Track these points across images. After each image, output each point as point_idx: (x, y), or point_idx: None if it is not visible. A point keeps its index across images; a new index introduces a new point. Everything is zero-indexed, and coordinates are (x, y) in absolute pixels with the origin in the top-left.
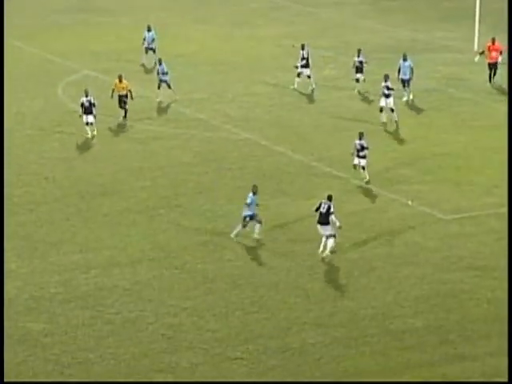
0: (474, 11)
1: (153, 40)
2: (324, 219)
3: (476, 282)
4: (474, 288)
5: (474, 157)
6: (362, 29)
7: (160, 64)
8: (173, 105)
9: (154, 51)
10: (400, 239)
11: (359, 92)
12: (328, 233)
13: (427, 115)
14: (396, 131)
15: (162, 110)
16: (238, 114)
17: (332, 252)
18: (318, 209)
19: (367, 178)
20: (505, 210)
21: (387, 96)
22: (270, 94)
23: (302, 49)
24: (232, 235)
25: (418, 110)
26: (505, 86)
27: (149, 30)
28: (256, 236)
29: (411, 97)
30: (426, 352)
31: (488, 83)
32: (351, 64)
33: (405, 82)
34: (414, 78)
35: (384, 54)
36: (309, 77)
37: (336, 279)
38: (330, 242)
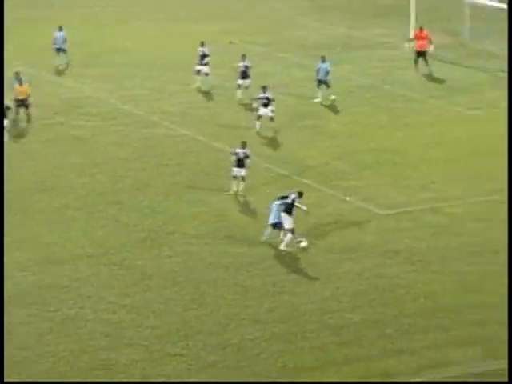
0: (410, 8)
1: (64, 40)
2: (288, 209)
3: (413, 277)
4: (411, 283)
5: (410, 152)
6: (299, 26)
7: (244, 59)
8: (111, 101)
9: (65, 52)
10: (338, 235)
11: (240, 99)
12: (287, 226)
13: (363, 112)
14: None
15: (99, 106)
16: (176, 110)
17: (288, 246)
18: (283, 197)
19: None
20: (440, 204)
21: (266, 105)
22: (207, 91)
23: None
24: (281, 247)
25: (355, 106)
26: (435, 82)
27: (60, 29)
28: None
29: (333, 97)
30: (363, 346)
31: (415, 71)
32: (237, 69)
33: (322, 83)
34: (331, 79)
35: (320, 51)
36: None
37: (274, 275)
38: (288, 236)
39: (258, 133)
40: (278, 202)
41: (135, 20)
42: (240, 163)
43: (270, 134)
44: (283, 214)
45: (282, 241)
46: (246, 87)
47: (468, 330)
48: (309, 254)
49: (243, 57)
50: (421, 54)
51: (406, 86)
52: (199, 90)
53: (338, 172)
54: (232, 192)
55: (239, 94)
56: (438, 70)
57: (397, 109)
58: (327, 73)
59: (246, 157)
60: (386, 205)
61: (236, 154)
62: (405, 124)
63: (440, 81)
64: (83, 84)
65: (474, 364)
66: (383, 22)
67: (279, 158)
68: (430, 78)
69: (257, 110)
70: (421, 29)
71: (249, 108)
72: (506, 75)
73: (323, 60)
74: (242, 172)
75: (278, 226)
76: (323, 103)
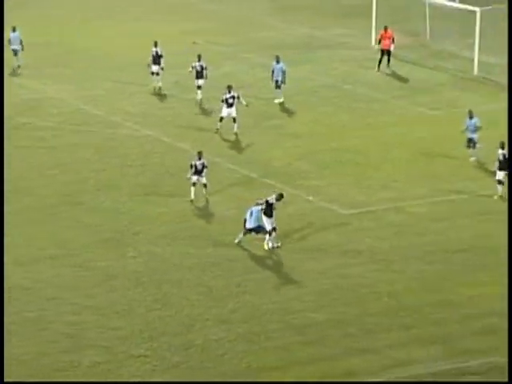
0: (371, 8)
1: (19, 41)
2: (268, 211)
3: (375, 276)
4: (374, 282)
5: (372, 152)
6: (262, 26)
7: (199, 60)
8: (72, 101)
9: (16, 53)
10: (301, 234)
11: (201, 100)
12: (270, 227)
13: (326, 111)
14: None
15: (61, 106)
16: (138, 110)
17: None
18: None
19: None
20: (403, 204)
21: (231, 105)
22: (170, 91)
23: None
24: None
25: (317, 106)
26: (397, 82)
27: (14, 30)
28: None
29: (282, 99)
30: (327, 346)
31: (376, 69)
32: (192, 70)
33: (277, 84)
34: (286, 80)
35: (284, 51)
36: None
37: (238, 275)
38: (267, 236)
39: (221, 134)
40: (258, 208)
41: (97, 20)
42: (198, 172)
43: (233, 135)
44: (264, 218)
45: (267, 242)
46: (200, 87)
47: (430, 328)
48: (272, 254)
49: (199, 57)
50: (385, 52)
51: (368, 86)
52: (157, 91)
53: (300, 172)
54: (191, 198)
55: (199, 94)
56: (399, 70)
57: (359, 109)
58: (283, 73)
59: (204, 167)
60: (349, 204)
61: (194, 166)
62: (367, 124)
63: (402, 81)
64: (44, 85)
65: (435, 363)
66: (345, 23)
67: (242, 158)
68: (392, 78)
69: (220, 111)
70: (385, 28)
71: (211, 109)
72: (465, 75)
73: (277, 60)
74: (203, 180)
75: (257, 229)
76: (284, 103)
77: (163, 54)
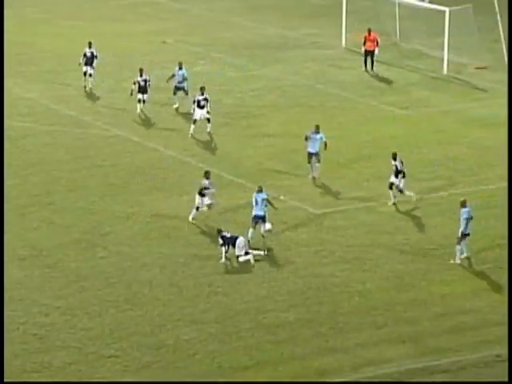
0: (341, 8)
1: None
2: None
3: (347, 275)
4: (345, 281)
5: (343, 151)
6: (233, 26)
7: (180, 69)
8: (43, 101)
9: None
10: (273, 234)
11: (142, 110)
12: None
13: (297, 111)
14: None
15: (31, 106)
16: (109, 110)
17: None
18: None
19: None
20: (374, 203)
21: (202, 107)
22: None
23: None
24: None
25: (289, 106)
26: (368, 81)
27: None
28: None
29: (177, 105)
30: (298, 345)
31: (363, 69)
32: (134, 87)
33: (179, 90)
34: (189, 87)
35: (254, 51)
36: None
37: (209, 275)
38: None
39: (192, 135)
40: (263, 196)
41: (67, 20)
42: (201, 193)
43: (205, 135)
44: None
45: (265, 231)
46: (141, 100)
47: (401, 327)
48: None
49: (141, 71)
50: (369, 53)
51: (339, 86)
52: (88, 91)
53: (272, 171)
54: (191, 218)
55: (138, 108)
56: (370, 69)
57: (330, 108)
58: (185, 79)
59: (206, 188)
60: (321, 204)
61: (203, 185)
62: (338, 123)
63: (373, 81)
64: (14, 84)
65: (406, 361)
66: (315, 23)
67: (214, 158)
68: (363, 77)
69: (192, 113)
70: (369, 31)
71: (183, 111)
72: (435, 75)
73: (180, 67)
74: (206, 201)
75: (262, 218)
76: (179, 110)
77: (97, 54)
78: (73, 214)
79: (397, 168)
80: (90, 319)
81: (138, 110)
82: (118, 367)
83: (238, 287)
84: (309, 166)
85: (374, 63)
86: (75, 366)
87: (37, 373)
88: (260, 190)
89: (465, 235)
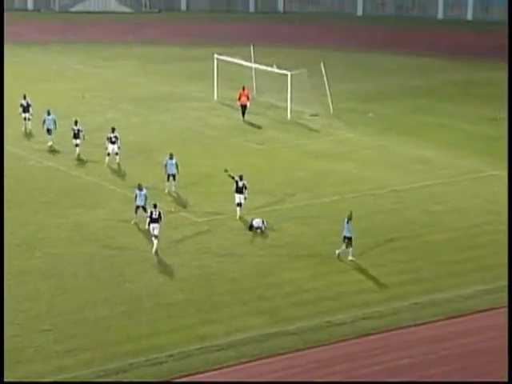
0: (213, 72)
1: None
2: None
3: (221, 267)
4: (220, 271)
5: (216, 175)
6: (134, 84)
7: (48, 114)
8: None
9: None
10: (165, 235)
11: (78, 156)
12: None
13: (183, 146)
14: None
15: None
16: (42, 147)
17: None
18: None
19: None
20: (242, 213)
21: (113, 142)
22: (64, 132)
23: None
24: (336, 252)
25: (176, 142)
26: (234, 125)
27: None
28: (350, 258)
29: (51, 143)
30: (186, 318)
31: (241, 118)
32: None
33: (49, 132)
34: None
35: (151, 103)
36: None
37: (119, 267)
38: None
39: (107, 165)
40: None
41: (13, 80)
42: (154, 220)
43: (115, 165)
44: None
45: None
46: (78, 145)
47: (260, 303)
48: (144, 252)
49: (75, 122)
50: (244, 106)
51: (213, 128)
52: (28, 132)
53: (165, 189)
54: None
55: (77, 150)
56: (236, 117)
57: (207, 144)
58: (54, 123)
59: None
60: (201, 213)
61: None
62: (212, 154)
63: (238, 124)
64: None
65: (265, 328)
66: (195, 82)
67: (123, 181)
68: (230, 122)
69: (105, 148)
70: (243, 88)
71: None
72: (282, 120)
73: (48, 113)
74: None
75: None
76: (53, 147)
77: (31, 103)
78: (15, 224)
79: (243, 186)
80: (29, 303)
81: (76, 153)
82: (51, 338)
83: (141, 276)
84: (167, 183)
85: (245, 114)
86: (17, 338)
87: None
88: (140, 189)
89: (345, 237)
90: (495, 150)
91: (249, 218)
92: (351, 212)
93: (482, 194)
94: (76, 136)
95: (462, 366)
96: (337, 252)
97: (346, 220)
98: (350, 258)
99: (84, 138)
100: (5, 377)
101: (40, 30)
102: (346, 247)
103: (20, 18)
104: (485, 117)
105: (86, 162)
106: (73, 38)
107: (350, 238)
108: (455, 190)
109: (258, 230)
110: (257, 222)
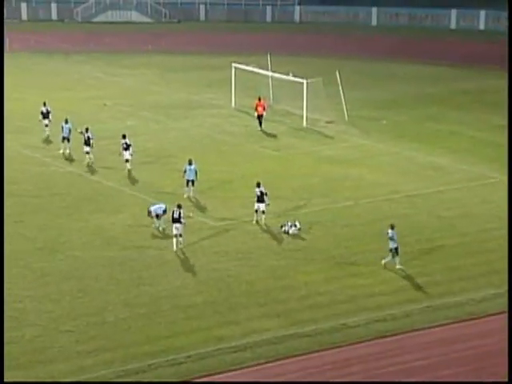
0: (231, 80)
1: None
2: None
3: (238, 270)
4: (237, 273)
5: (234, 181)
6: (153, 92)
7: (66, 123)
8: (15, 147)
9: None
10: (185, 239)
11: (88, 163)
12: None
13: (201, 152)
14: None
15: (6, 151)
16: (61, 154)
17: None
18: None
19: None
20: (252, 217)
21: (126, 149)
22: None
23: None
24: (383, 262)
25: (195, 149)
26: (251, 132)
27: None
28: (399, 266)
29: (62, 151)
30: (204, 320)
31: (259, 129)
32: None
33: (65, 139)
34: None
35: (169, 110)
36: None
37: (139, 271)
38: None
39: (129, 171)
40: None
41: (30, 88)
42: (176, 220)
43: (133, 171)
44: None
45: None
46: (88, 152)
47: (276, 306)
48: (162, 254)
49: (86, 129)
50: (260, 116)
51: (230, 135)
52: (48, 138)
53: (183, 196)
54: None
55: (87, 158)
56: (253, 124)
57: (224, 151)
58: (69, 131)
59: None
60: (218, 218)
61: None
62: (230, 161)
63: (254, 131)
64: None
65: (280, 330)
66: (213, 90)
67: (142, 187)
68: (247, 129)
69: (119, 154)
70: (259, 99)
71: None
72: (297, 127)
73: (66, 121)
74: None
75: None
76: (65, 154)
77: (51, 110)
78: (37, 228)
79: (261, 193)
80: (52, 304)
81: (86, 161)
82: (72, 339)
83: (160, 279)
84: (186, 188)
85: (262, 124)
86: (40, 338)
87: (12, 344)
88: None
89: (394, 248)
90: (505, 157)
91: (272, 223)
92: (392, 224)
93: (491, 199)
94: (87, 143)
95: (475, 367)
96: (383, 262)
97: (388, 232)
98: (398, 266)
99: (93, 146)
100: (27, 377)
101: (63, 39)
102: (393, 257)
103: (44, 28)
104: (495, 124)
105: (107, 167)
106: (94, 47)
107: (396, 248)
108: (466, 196)
109: (294, 231)
110: (289, 226)
